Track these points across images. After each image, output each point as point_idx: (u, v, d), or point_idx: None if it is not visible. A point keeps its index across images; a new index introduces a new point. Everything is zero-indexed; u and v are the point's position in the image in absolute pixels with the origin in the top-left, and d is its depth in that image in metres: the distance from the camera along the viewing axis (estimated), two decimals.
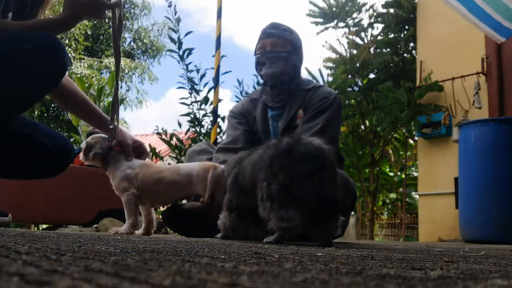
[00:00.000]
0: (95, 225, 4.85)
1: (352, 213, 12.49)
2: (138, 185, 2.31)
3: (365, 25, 8.44)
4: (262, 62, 2.61)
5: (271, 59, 2.57)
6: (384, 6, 8.13)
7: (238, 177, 1.89)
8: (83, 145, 2.36)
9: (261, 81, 2.81)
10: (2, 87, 1.46)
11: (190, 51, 6.78)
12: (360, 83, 8.39)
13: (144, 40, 17.67)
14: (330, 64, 8.48)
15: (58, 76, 1.58)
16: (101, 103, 6.57)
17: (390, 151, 10.39)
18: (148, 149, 6.56)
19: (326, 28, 8.44)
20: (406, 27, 7.84)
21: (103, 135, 2.31)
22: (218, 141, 5.04)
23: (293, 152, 1.59)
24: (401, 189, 10.29)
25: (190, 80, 6.67)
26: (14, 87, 1.48)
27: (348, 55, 8.31)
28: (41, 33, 1.54)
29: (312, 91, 2.62)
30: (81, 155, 2.34)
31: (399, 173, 10.55)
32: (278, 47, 2.58)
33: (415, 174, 9.81)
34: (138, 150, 2.38)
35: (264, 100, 2.68)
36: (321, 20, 8.37)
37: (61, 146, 1.88)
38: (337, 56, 8.42)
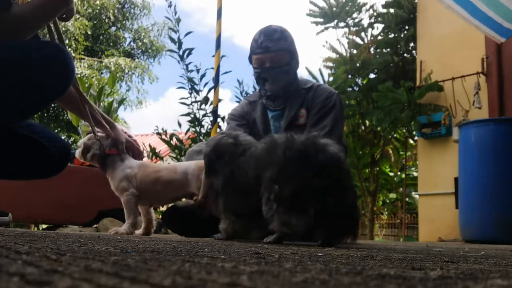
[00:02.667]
0: (95, 225, 4.85)
1: None
2: (137, 185, 2.32)
3: (365, 25, 8.45)
4: (263, 78, 2.58)
5: (273, 75, 2.55)
6: (384, 6, 8.13)
7: (234, 177, 1.83)
8: (80, 144, 2.37)
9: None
10: (10, 95, 1.48)
11: (190, 51, 6.78)
12: (360, 83, 8.39)
13: (144, 40, 17.67)
14: (330, 64, 8.48)
15: (65, 84, 1.60)
16: (101, 103, 6.57)
17: (390, 151, 10.39)
18: (148, 149, 6.52)
19: (326, 28, 8.45)
20: (406, 27, 7.84)
21: (100, 135, 2.32)
22: None
23: (310, 158, 1.56)
24: (401, 189, 10.29)
25: (190, 80, 6.67)
26: (23, 95, 1.50)
27: (348, 55, 8.32)
28: (49, 42, 1.58)
29: (313, 90, 2.63)
30: (78, 154, 2.35)
31: (399, 173, 10.55)
32: (278, 61, 2.53)
33: (415, 174, 9.81)
34: (131, 150, 2.39)
35: (265, 103, 2.69)
36: (321, 20, 8.37)
37: (59, 147, 1.89)
38: (337, 56, 8.42)
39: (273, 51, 2.52)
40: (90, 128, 2.29)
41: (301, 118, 2.58)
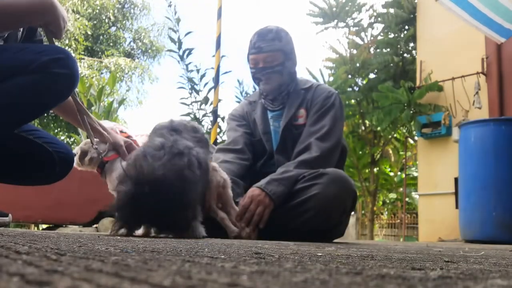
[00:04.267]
0: (95, 225, 4.85)
1: (352, 213, 12.50)
2: None
3: (365, 25, 8.46)
4: (258, 78, 2.60)
5: (266, 75, 2.56)
6: (384, 6, 8.14)
7: None
8: (77, 151, 2.36)
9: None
10: (18, 97, 1.50)
11: (190, 51, 6.79)
12: (360, 83, 8.40)
13: (144, 40, 17.67)
14: (330, 64, 8.49)
15: (70, 87, 1.62)
16: (101, 103, 6.58)
17: (390, 151, 10.40)
18: None
19: (326, 28, 8.46)
20: (406, 27, 7.85)
21: (96, 139, 2.32)
22: (218, 141, 5.03)
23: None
24: (401, 189, 10.30)
25: (190, 80, 6.68)
26: (29, 97, 1.52)
27: (348, 55, 8.32)
28: (55, 46, 1.59)
29: (312, 89, 2.62)
30: (76, 161, 2.34)
31: (399, 173, 10.55)
32: (270, 62, 2.54)
33: (415, 174, 9.82)
34: (129, 149, 2.40)
35: (264, 103, 2.68)
36: (321, 20, 8.38)
37: (63, 153, 1.91)
38: (337, 56, 8.43)
39: (265, 52, 2.53)
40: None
41: (299, 118, 2.58)
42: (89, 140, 2.34)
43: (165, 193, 1.70)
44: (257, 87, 2.76)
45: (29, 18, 1.58)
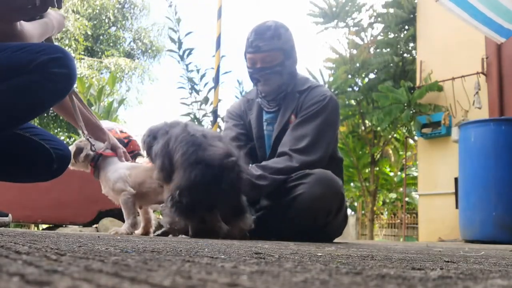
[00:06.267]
0: (95, 225, 4.85)
1: (352, 213, 12.50)
2: (132, 186, 2.31)
3: (365, 25, 8.45)
4: (256, 78, 2.47)
5: (264, 76, 2.43)
6: (384, 6, 8.14)
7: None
8: (72, 148, 2.33)
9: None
10: (16, 97, 1.51)
11: (190, 51, 6.79)
12: (360, 83, 8.39)
13: (144, 40, 17.67)
14: (331, 64, 8.49)
15: (68, 87, 1.63)
16: (101, 103, 6.58)
17: (390, 151, 10.40)
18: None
19: (326, 28, 8.45)
20: (406, 27, 7.85)
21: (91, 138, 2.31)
22: None
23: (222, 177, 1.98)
24: (401, 189, 10.30)
25: (190, 80, 6.68)
26: (28, 97, 1.53)
27: (348, 55, 8.32)
28: (53, 46, 1.62)
29: (306, 92, 2.48)
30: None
31: (399, 173, 10.55)
32: (269, 62, 2.40)
33: (415, 174, 9.82)
34: (124, 155, 2.40)
35: (260, 103, 2.60)
36: (321, 20, 8.38)
37: (60, 150, 1.91)
38: (337, 56, 8.43)
39: (264, 51, 2.39)
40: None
41: (290, 124, 2.45)
42: (84, 138, 2.33)
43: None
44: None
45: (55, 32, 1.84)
